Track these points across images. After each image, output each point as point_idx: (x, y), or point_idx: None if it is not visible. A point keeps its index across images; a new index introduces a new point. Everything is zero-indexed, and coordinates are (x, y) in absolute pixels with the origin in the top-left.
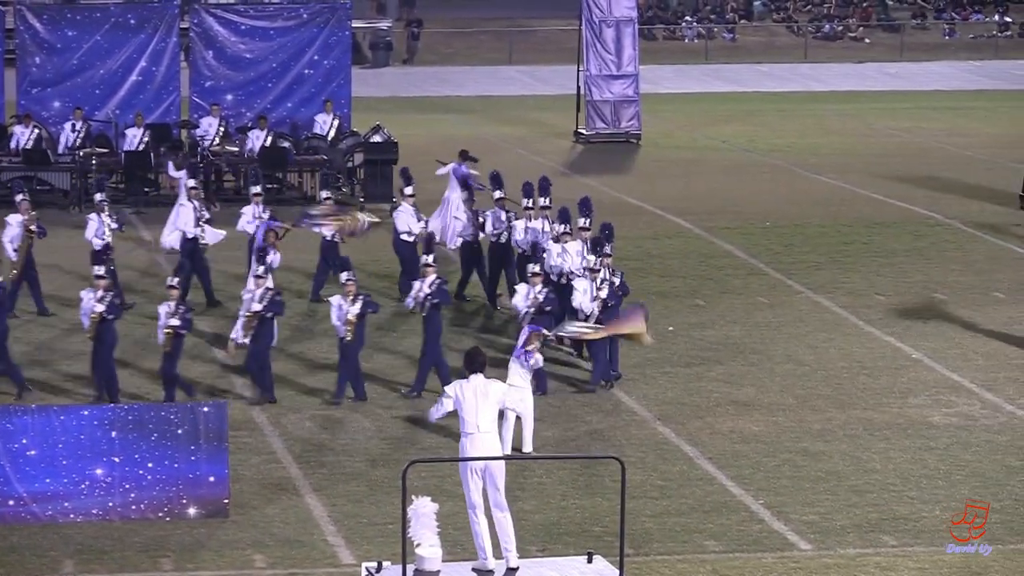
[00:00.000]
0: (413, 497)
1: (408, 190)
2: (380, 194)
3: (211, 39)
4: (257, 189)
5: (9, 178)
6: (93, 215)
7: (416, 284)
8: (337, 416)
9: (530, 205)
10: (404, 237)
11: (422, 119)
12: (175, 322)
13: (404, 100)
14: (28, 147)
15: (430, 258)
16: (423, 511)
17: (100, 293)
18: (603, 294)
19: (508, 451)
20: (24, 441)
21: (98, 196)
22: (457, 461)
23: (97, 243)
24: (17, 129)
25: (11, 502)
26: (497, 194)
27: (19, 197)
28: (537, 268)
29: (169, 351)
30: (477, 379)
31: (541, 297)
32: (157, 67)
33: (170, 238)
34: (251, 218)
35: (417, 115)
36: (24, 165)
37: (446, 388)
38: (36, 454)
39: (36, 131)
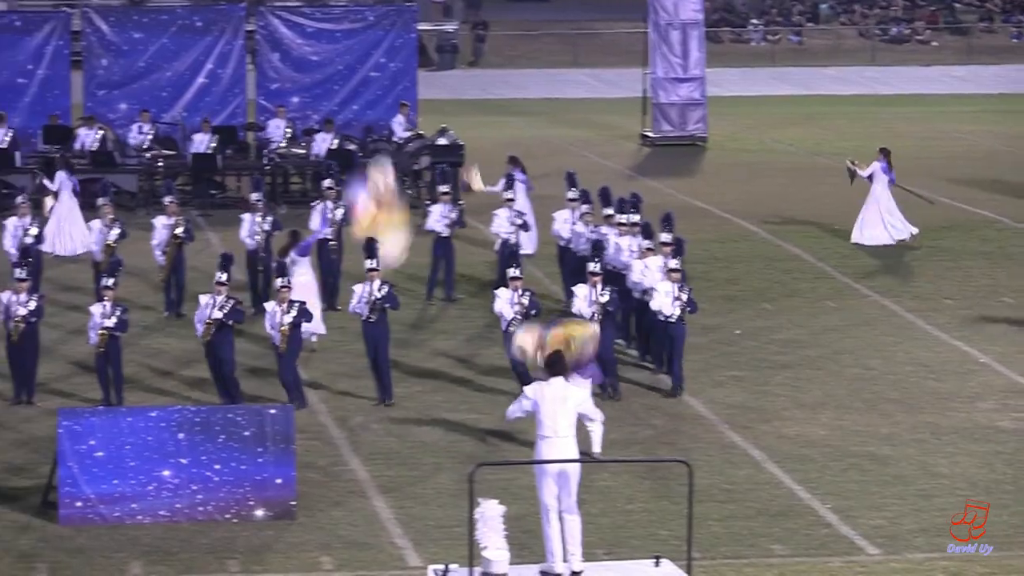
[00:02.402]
0: (480, 500)
1: (508, 194)
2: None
3: (277, 41)
4: (257, 196)
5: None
6: (247, 214)
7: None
8: (404, 418)
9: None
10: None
11: (488, 121)
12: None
13: (470, 102)
14: (93, 149)
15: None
16: (490, 514)
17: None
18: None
19: (599, 452)
20: (92, 442)
21: (254, 196)
22: (524, 464)
23: (250, 243)
24: (83, 131)
25: (79, 503)
26: (571, 194)
27: (167, 199)
28: (597, 268)
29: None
30: (558, 383)
31: (604, 298)
32: (223, 70)
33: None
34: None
35: (483, 117)
36: (90, 167)
37: (525, 389)
38: (104, 455)
39: (101, 133)
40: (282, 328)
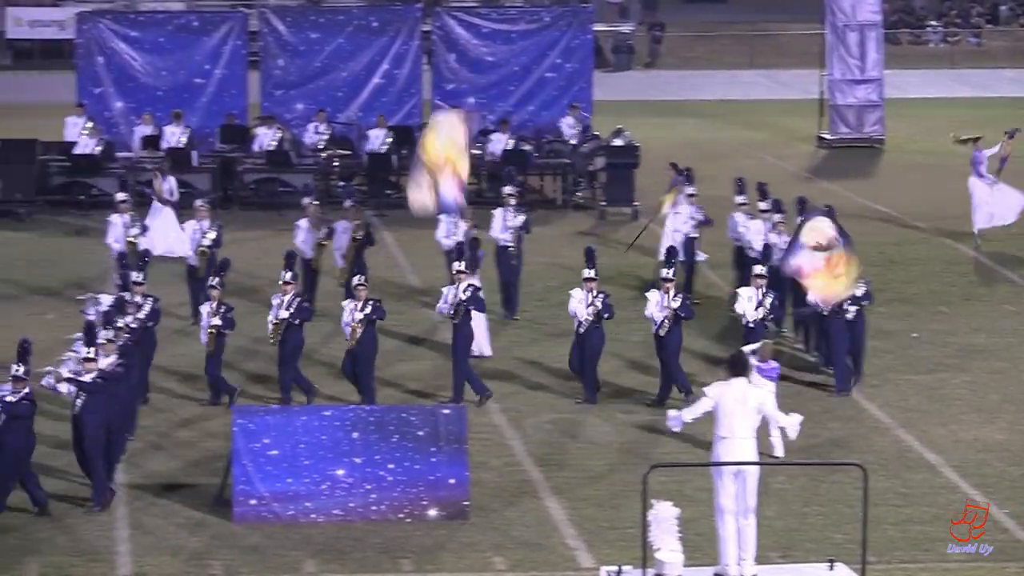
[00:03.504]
0: (654, 501)
1: (697, 194)
2: (621, 198)
3: (453, 42)
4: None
5: (252, 179)
6: (443, 215)
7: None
8: (577, 419)
9: (767, 208)
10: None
11: (663, 123)
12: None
13: (645, 104)
14: (271, 149)
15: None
16: (664, 515)
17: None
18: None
19: (782, 455)
20: (266, 441)
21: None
22: (699, 466)
23: (446, 243)
24: (260, 131)
25: (253, 501)
26: (739, 199)
27: (347, 203)
28: (670, 274)
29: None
30: (739, 383)
31: (676, 303)
32: (399, 70)
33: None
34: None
35: (658, 119)
36: (266, 167)
37: (706, 389)
38: (278, 454)
39: (279, 133)
40: (354, 324)
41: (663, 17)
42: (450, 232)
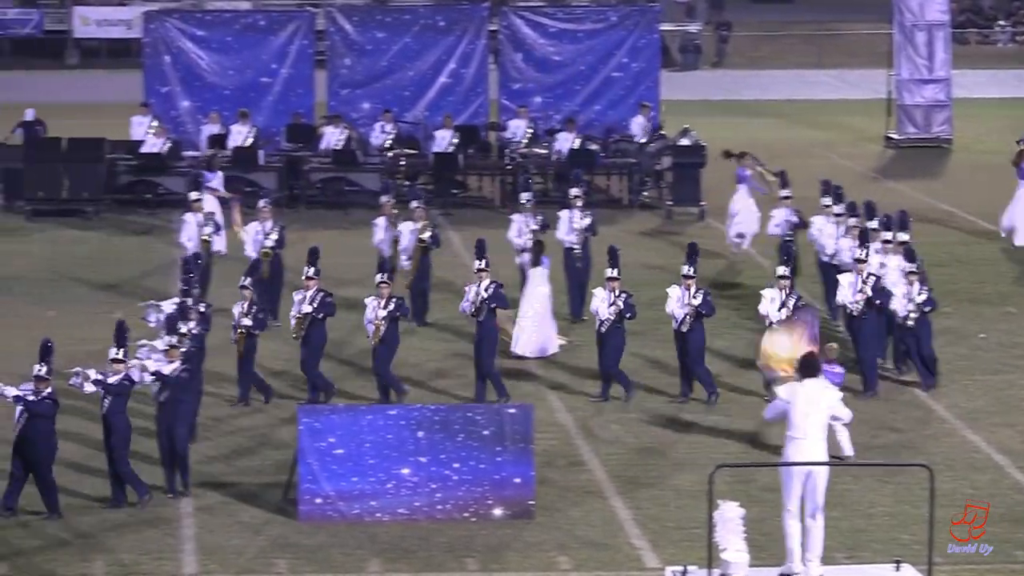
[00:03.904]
0: (720, 501)
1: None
2: (687, 198)
3: (520, 41)
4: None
5: (318, 178)
6: (517, 214)
7: (471, 288)
8: (643, 419)
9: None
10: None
11: (730, 122)
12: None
13: (712, 103)
14: (337, 148)
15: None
16: (729, 516)
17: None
18: (920, 299)
19: (851, 454)
20: (332, 440)
21: (525, 196)
22: (764, 466)
23: (518, 243)
24: (327, 130)
25: (318, 500)
26: (784, 193)
27: (414, 203)
28: (691, 271)
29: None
30: (811, 384)
31: (697, 300)
32: (466, 69)
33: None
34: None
35: (725, 118)
36: (332, 166)
37: (779, 390)
38: (343, 453)
39: (346, 132)
40: (377, 322)
41: (730, 16)
42: (522, 231)
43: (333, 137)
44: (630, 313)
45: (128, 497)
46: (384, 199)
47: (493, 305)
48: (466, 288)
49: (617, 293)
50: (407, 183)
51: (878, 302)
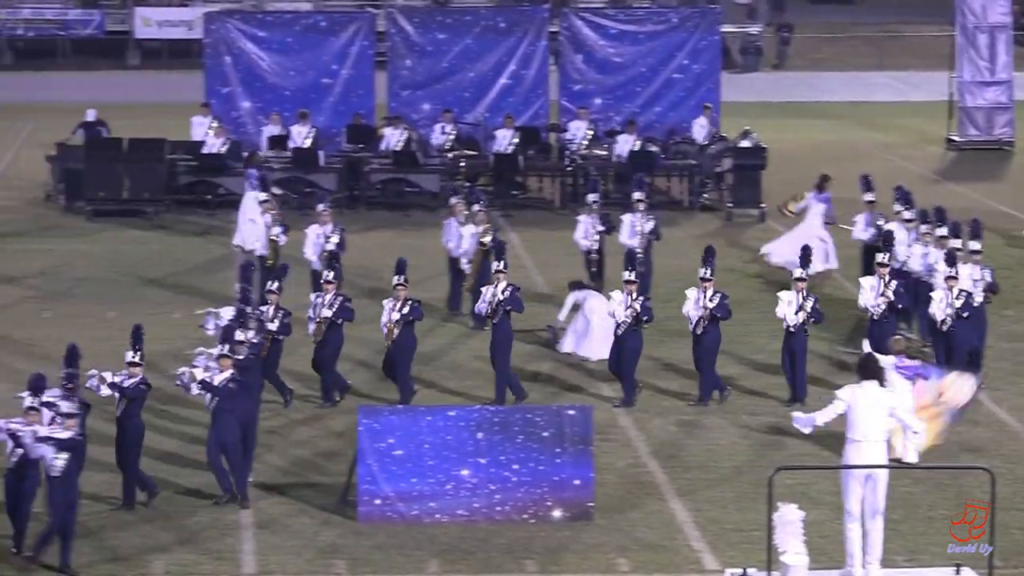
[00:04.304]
0: (779, 504)
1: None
2: (748, 200)
3: (580, 43)
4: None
5: (378, 179)
6: (583, 215)
7: (488, 290)
8: (702, 421)
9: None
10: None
11: (791, 124)
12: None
13: (773, 105)
14: (397, 149)
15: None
16: (789, 518)
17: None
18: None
19: (913, 459)
20: (391, 441)
21: (592, 197)
22: (824, 468)
23: (585, 244)
24: (387, 131)
25: (377, 501)
26: (868, 197)
27: (475, 207)
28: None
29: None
30: (871, 386)
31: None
32: (526, 71)
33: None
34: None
35: (786, 120)
36: (393, 167)
37: (838, 392)
38: (403, 454)
39: (406, 133)
40: (390, 325)
41: (791, 18)
42: (588, 233)
43: (393, 138)
44: (647, 316)
45: (138, 497)
46: (454, 200)
47: (508, 308)
48: (483, 290)
49: (634, 296)
50: (467, 184)
51: (965, 315)
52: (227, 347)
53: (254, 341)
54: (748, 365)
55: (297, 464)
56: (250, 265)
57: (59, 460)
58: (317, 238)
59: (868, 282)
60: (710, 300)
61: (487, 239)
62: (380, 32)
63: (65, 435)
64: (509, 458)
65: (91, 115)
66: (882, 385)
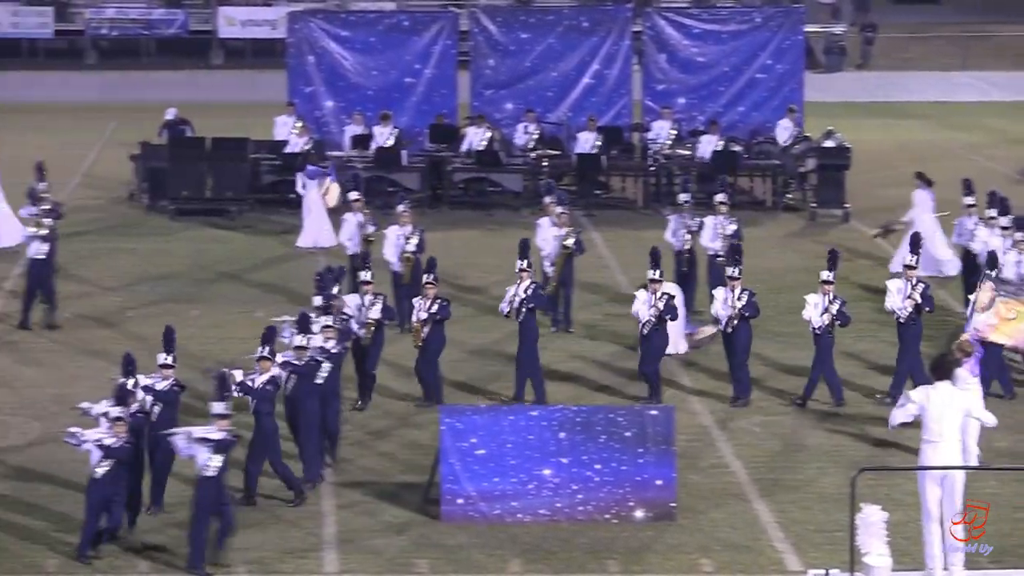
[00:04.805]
0: (863, 505)
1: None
2: (832, 200)
3: (663, 42)
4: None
5: (461, 179)
6: (672, 215)
7: (511, 289)
8: (786, 421)
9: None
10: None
11: (875, 124)
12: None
13: (857, 105)
14: (480, 149)
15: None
16: (872, 519)
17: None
18: None
19: (974, 461)
20: (473, 440)
21: (683, 196)
22: (907, 469)
23: (675, 244)
24: (470, 130)
25: (460, 500)
26: (968, 201)
27: (559, 209)
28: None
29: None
30: (944, 386)
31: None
32: (609, 70)
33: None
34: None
35: (870, 120)
36: (475, 166)
37: (911, 393)
38: (485, 453)
39: (489, 133)
40: (417, 324)
41: (875, 18)
42: (678, 232)
43: (476, 138)
44: (670, 315)
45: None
46: (548, 199)
47: (531, 306)
48: (507, 288)
49: (658, 295)
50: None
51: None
52: (267, 349)
53: (322, 346)
54: (858, 365)
55: (380, 462)
56: (328, 272)
57: (214, 461)
58: (397, 239)
59: (895, 284)
60: (738, 299)
61: (569, 242)
62: (463, 31)
63: (218, 436)
64: (591, 458)
65: (171, 113)
66: (955, 385)
